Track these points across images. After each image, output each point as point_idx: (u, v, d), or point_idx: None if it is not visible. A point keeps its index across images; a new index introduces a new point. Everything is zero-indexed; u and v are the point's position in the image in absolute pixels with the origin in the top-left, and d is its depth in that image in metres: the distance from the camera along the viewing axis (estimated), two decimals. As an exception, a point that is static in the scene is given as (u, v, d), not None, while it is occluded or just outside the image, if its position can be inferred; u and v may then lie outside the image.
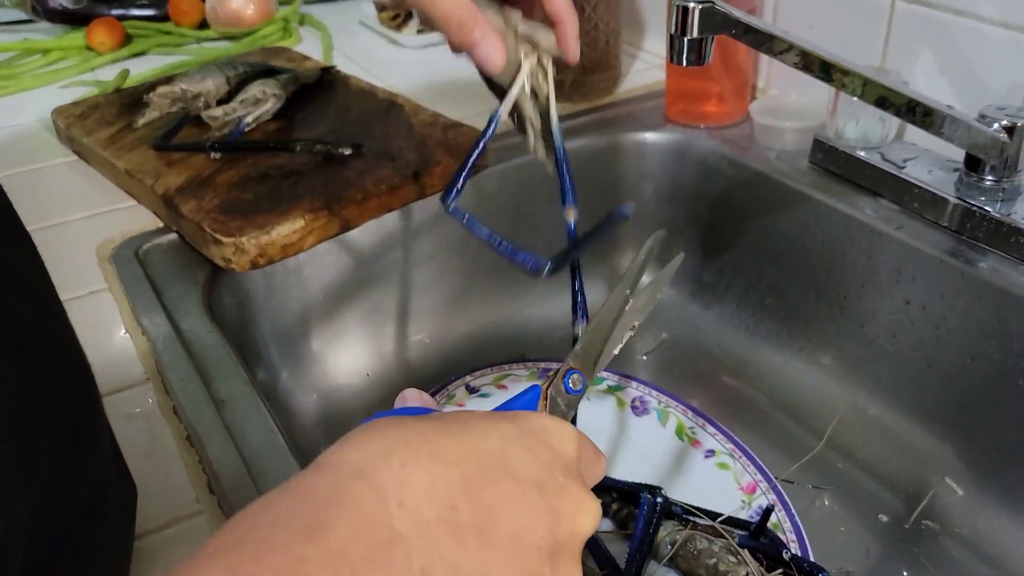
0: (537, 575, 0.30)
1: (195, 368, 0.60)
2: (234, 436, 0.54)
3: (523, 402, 0.41)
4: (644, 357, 0.89)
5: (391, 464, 0.29)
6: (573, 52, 0.58)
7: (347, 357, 0.84)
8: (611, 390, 0.82)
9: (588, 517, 0.33)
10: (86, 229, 0.79)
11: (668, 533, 0.65)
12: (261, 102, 0.89)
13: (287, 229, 0.72)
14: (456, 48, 0.56)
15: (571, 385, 0.43)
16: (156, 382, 0.59)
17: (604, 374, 0.83)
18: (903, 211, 0.75)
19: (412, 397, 0.41)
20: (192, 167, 0.81)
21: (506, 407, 0.40)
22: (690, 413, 0.78)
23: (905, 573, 0.66)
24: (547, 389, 0.42)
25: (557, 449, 0.34)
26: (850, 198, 0.78)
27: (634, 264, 0.49)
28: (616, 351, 0.47)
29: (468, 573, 0.28)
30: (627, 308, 0.47)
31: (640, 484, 0.68)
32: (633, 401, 0.81)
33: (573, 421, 0.41)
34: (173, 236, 0.77)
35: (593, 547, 0.64)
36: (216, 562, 0.25)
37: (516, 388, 0.81)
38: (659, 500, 0.65)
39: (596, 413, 0.80)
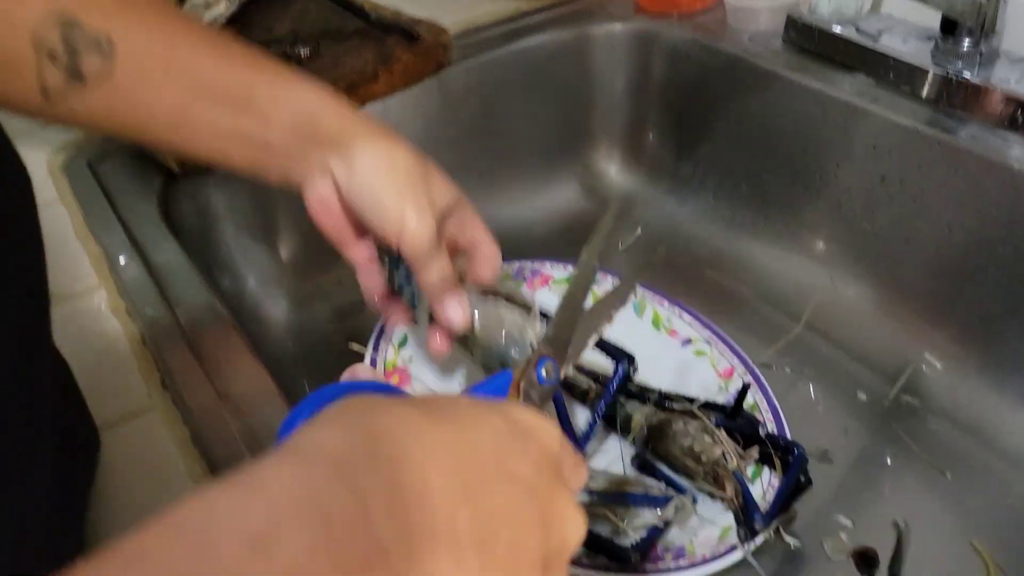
0: None
1: (150, 273, 0.59)
2: (188, 336, 0.53)
3: (493, 387, 0.37)
4: (620, 251, 0.88)
5: (378, 462, 0.23)
6: (486, 277, 0.56)
7: (317, 264, 0.83)
8: (586, 286, 0.80)
9: (576, 529, 0.29)
10: (36, 142, 0.76)
11: (644, 417, 0.64)
12: (212, 6, 0.85)
13: (241, 131, 0.69)
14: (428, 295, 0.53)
15: (544, 375, 0.39)
16: (109, 286, 0.58)
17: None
18: (879, 85, 0.73)
19: (364, 373, 0.37)
20: (143, 75, 0.78)
21: (475, 391, 0.37)
22: (666, 304, 0.77)
23: (884, 449, 0.66)
24: (519, 380, 0.38)
25: (548, 450, 0.30)
26: (825, 75, 0.75)
27: (594, 238, 0.50)
28: (592, 342, 0.44)
29: None
30: (595, 291, 0.46)
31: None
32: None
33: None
34: (126, 145, 0.74)
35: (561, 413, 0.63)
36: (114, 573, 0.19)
37: (491, 288, 0.80)
38: (633, 369, 0.63)
39: (572, 309, 0.78)
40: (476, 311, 0.56)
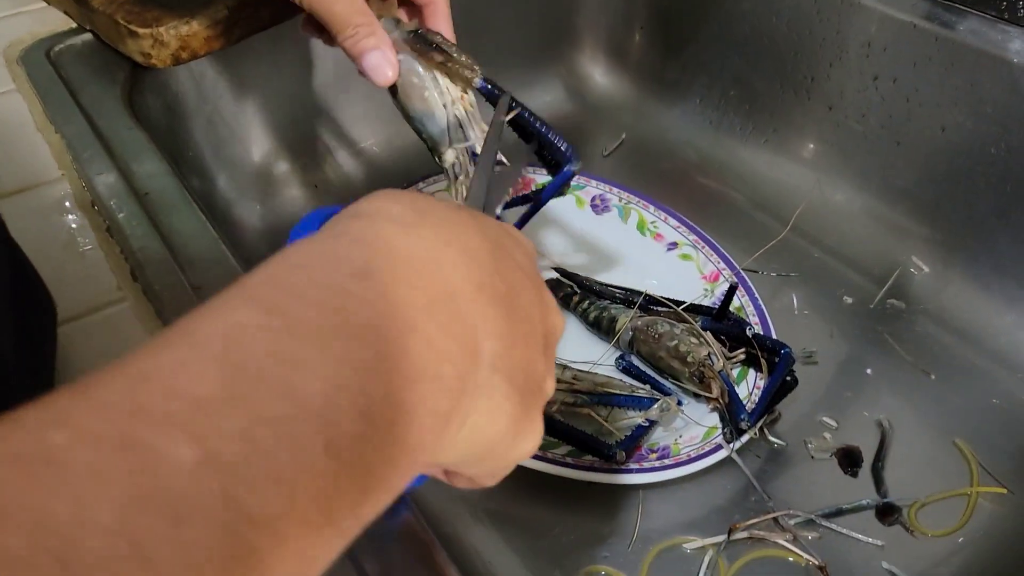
0: (536, 362, 0.28)
1: (114, 164, 0.56)
2: (159, 227, 0.50)
3: None
4: (604, 157, 0.86)
5: (426, 222, 0.25)
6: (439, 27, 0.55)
7: (291, 167, 0.80)
8: (571, 189, 0.78)
9: (560, 320, 0.31)
10: (-11, 33, 0.72)
11: (629, 320, 0.63)
12: None
13: (210, 19, 0.66)
14: (349, 54, 0.51)
15: None
16: (72, 177, 0.55)
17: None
18: (876, -21, 0.70)
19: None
20: (102, -38, 0.73)
21: None
22: (652, 208, 0.75)
23: (869, 351, 0.65)
24: None
25: (528, 251, 0.32)
26: (820, -31, 0.73)
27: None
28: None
29: (507, 343, 0.26)
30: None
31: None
32: (593, 199, 0.77)
33: None
34: (87, 36, 0.70)
35: None
36: (248, 300, 0.21)
37: (471, 192, 0.77)
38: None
39: (555, 212, 0.76)
40: (405, 70, 0.52)
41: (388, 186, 0.78)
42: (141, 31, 0.64)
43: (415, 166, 0.82)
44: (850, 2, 0.69)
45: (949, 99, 0.65)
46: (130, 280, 0.47)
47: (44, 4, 0.75)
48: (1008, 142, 0.62)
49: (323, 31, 0.54)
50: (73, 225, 0.51)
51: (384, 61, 0.50)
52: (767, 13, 0.76)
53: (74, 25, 0.71)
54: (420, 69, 0.52)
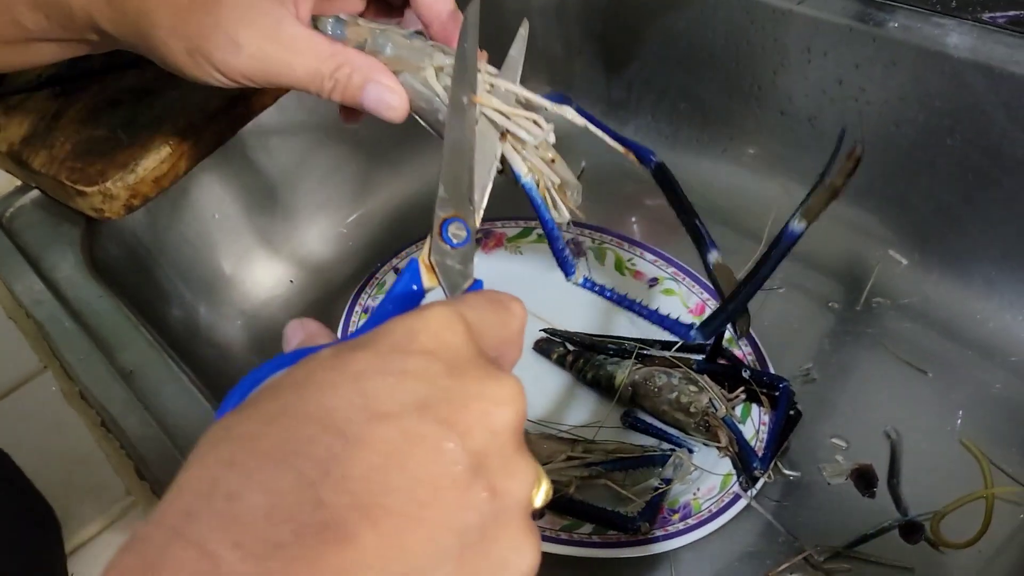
0: (472, 502, 0.24)
1: (94, 342, 0.56)
2: (151, 409, 0.51)
3: (404, 283, 0.33)
4: (568, 194, 0.86)
5: (214, 503, 0.22)
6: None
7: (264, 269, 0.80)
8: (541, 239, 0.78)
9: (502, 406, 0.25)
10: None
11: (626, 375, 0.64)
12: (89, 17, 0.79)
13: (154, 161, 0.65)
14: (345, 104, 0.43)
15: (452, 238, 0.34)
16: (55, 368, 0.55)
17: (532, 223, 0.79)
18: (803, -18, 0.70)
19: (294, 333, 0.31)
20: (33, 111, 0.72)
21: (388, 299, 0.33)
22: (626, 244, 0.76)
23: (863, 356, 0.66)
24: (427, 257, 0.34)
25: (433, 349, 0.26)
26: (746, -21, 0.72)
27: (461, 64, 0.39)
28: (488, 188, 0.39)
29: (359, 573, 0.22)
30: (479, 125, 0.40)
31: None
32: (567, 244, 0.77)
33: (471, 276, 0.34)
34: (35, 193, 0.69)
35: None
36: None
37: (445, 260, 0.78)
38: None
39: (530, 267, 0.77)
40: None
41: (366, 265, 0.75)
42: (88, 190, 0.63)
43: (389, 241, 0.82)
44: (782, 11, 0.69)
45: (896, 96, 0.65)
46: (136, 479, 0.47)
47: (-16, 165, 0.74)
48: (962, 132, 0.62)
49: None
50: (69, 423, 0.51)
51: (382, 91, 0.42)
52: (702, 28, 0.76)
53: (19, 183, 0.71)
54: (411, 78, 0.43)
